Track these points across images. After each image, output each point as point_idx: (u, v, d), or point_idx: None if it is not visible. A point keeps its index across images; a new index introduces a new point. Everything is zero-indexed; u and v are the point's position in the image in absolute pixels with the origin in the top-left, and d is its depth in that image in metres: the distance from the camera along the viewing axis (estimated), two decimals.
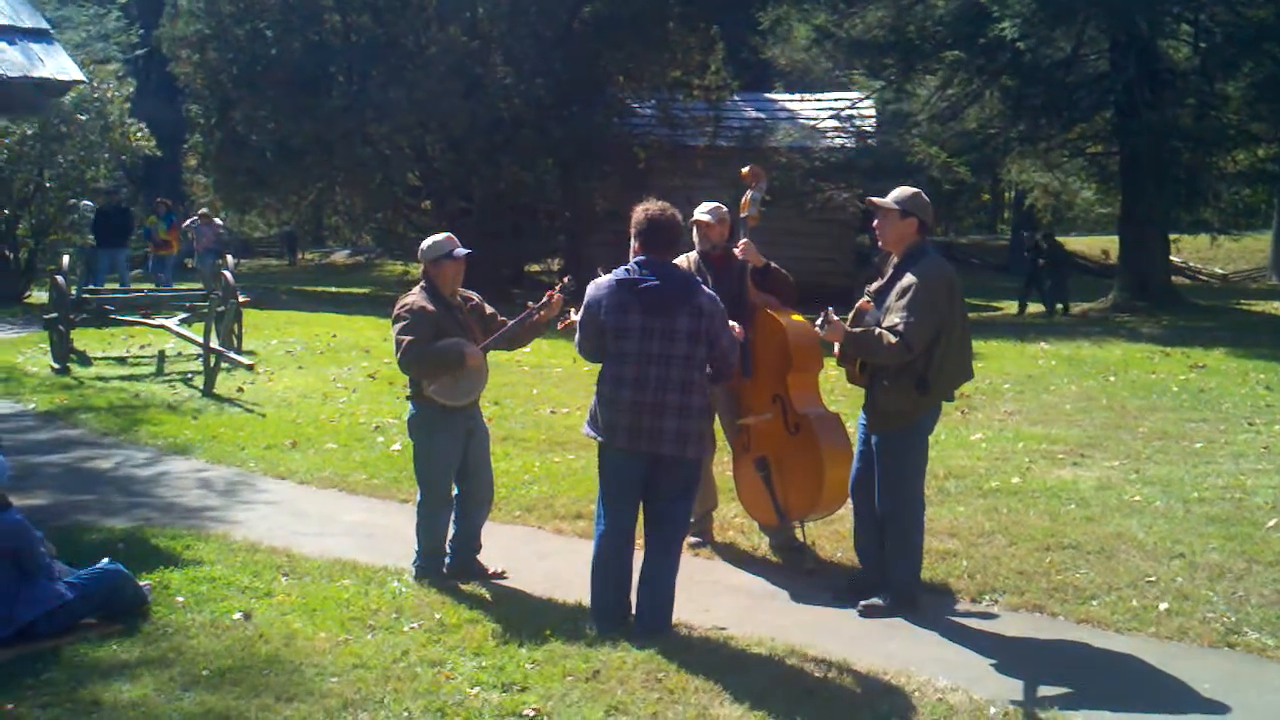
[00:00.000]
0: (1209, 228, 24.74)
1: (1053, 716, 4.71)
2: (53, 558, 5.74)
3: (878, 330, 5.61)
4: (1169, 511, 7.59)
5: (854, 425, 6.40)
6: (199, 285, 21.18)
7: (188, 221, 25.33)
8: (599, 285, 5.56)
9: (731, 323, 6.39)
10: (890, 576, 5.94)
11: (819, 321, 5.78)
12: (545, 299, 6.36)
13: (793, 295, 6.82)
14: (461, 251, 6.39)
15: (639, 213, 5.58)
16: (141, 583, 5.92)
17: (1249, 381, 12.87)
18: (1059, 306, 21.53)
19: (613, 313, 5.49)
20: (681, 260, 6.93)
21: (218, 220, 25.77)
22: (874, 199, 5.97)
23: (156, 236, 24.46)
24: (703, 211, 6.93)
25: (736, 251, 6.72)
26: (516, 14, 23.61)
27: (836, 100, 25.02)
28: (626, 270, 5.54)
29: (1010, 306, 23.99)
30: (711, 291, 5.58)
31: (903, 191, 5.89)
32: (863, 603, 5.95)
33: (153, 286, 21.64)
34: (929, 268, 5.69)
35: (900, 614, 5.85)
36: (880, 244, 6.01)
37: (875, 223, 5.97)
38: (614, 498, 5.69)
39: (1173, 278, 23.80)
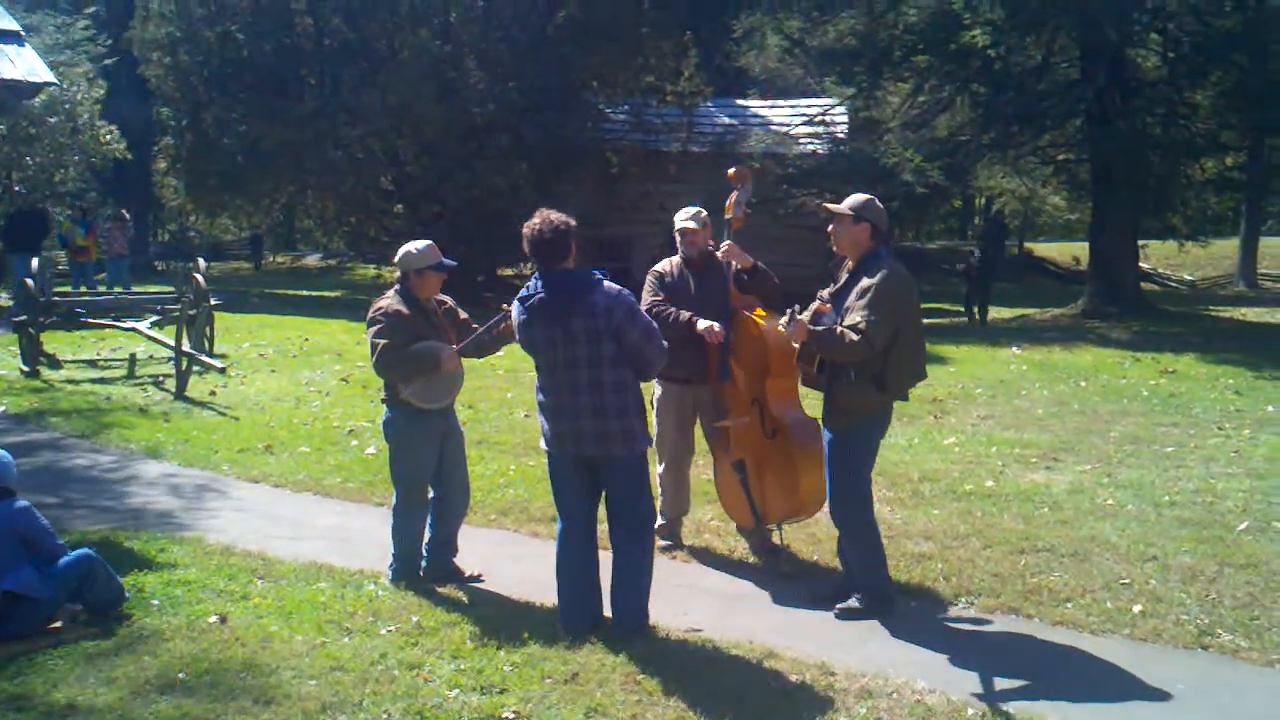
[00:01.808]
0: (1177, 234, 24.93)
1: (1029, 717, 4.74)
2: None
3: (839, 329, 5.67)
4: (1141, 515, 7.65)
5: None
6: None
7: (102, 221, 24.37)
8: (515, 305, 5.68)
9: (713, 324, 6.44)
10: (860, 578, 5.98)
11: (783, 321, 5.81)
12: (507, 311, 6.36)
13: (777, 296, 6.83)
14: (449, 263, 6.40)
15: (524, 230, 5.60)
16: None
17: (1218, 386, 12.99)
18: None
19: (522, 330, 5.65)
20: (664, 265, 6.96)
21: (129, 223, 24.60)
22: (828, 204, 6.02)
23: (73, 242, 22.73)
24: (687, 219, 6.90)
25: (719, 254, 6.72)
26: (490, 18, 23.61)
27: (809, 106, 25.11)
28: (526, 288, 5.62)
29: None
30: (615, 287, 5.52)
31: (857, 198, 5.94)
32: (839, 606, 5.98)
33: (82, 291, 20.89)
34: (887, 271, 5.77)
35: (876, 615, 5.88)
36: (835, 249, 6.04)
37: (830, 228, 6.02)
38: (563, 499, 5.82)
39: (1142, 284, 23.96)
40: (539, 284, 5.54)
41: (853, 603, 5.97)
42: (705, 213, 6.99)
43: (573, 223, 5.61)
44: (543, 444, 5.80)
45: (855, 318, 5.65)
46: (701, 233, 6.88)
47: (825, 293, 6.03)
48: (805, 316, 5.86)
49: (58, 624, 5.61)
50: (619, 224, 24.43)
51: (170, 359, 12.97)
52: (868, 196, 5.96)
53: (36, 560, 5.61)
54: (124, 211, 24.07)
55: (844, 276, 5.95)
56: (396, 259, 6.41)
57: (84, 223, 22.72)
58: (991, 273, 22.49)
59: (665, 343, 5.65)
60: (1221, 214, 26.00)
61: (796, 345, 5.90)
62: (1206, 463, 9.17)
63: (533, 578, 6.40)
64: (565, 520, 5.82)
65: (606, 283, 5.50)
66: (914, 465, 9.06)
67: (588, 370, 5.45)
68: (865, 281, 5.73)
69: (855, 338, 5.61)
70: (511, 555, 7.06)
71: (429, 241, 6.44)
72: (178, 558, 6.78)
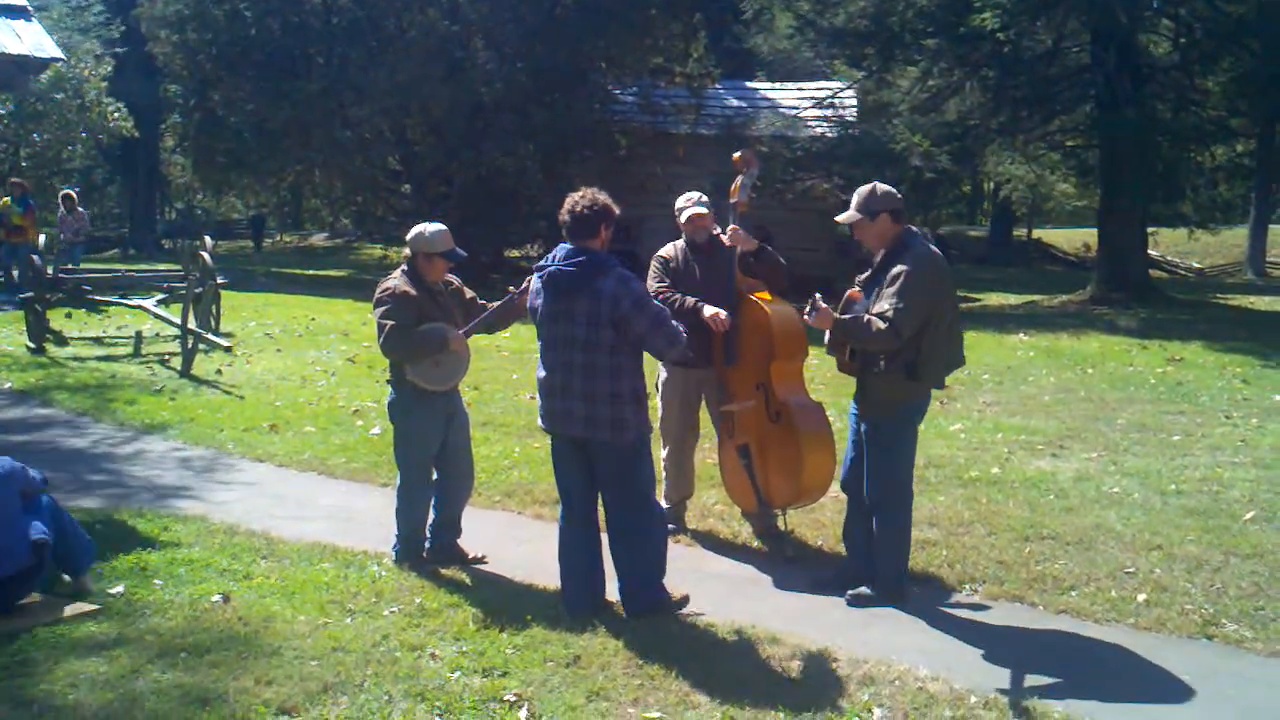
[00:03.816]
0: (1187, 221, 24.87)
1: (1032, 705, 4.72)
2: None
3: (866, 317, 5.60)
4: (1147, 503, 7.62)
5: (837, 413, 6.41)
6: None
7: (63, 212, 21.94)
8: (534, 274, 5.69)
9: (718, 311, 6.42)
10: (879, 566, 5.93)
11: (807, 309, 5.76)
12: (524, 285, 6.30)
13: (781, 278, 6.80)
14: (460, 253, 6.37)
15: (565, 201, 5.60)
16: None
17: (1225, 375, 12.95)
18: None
19: (533, 298, 5.66)
20: (669, 250, 6.93)
21: (80, 208, 22.37)
22: (840, 218, 5.93)
23: (9, 222, 20.62)
24: (694, 204, 6.88)
25: (725, 238, 6.69)
26: None
27: (818, 89, 25.01)
28: (546, 258, 5.62)
29: (988, 297, 24.09)
30: (626, 273, 5.48)
31: (861, 194, 5.81)
32: (850, 592, 5.94)
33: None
34: (918, 255, 5.66)
35: (889, 604, 5.85)
36: (865, 248, 5.96)
37: (855, 235, 5.94)
38: (562, 481, 5.82)
39: (1150, 271, 23.89)
40: (556, 257, 5.53)
41: (865, 590, 5.93)
42: (705, 198, 6.96)
43: (614, 209, 5.61)
44: (539, 423, 5.79)
45: (883, 305, 5.57)
46: (709, 216, 6.86)
47: (862, 277, 5.95)
48: (843, 300, 5.81)
49: (35, 598, 5.65)
50: (626, 205, 24.27)
51: (176, 337, 12.97)
52: (870, 186, 5.84)
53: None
54: (71, 194, 22.14)
55: (877, 261, 5.88)
56: (408, 237, 6.38)
57: (22, 201, 20.92)
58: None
59: (679, 328, 5.60)
60: (1231, 201, 25.86)
61: (827, 333, 5.83)
62: (1213, 451, 9.14)
63: (536, 560, 6.39)
64: (565, 502, 5.82)
65: (619, 270, 5.46)
66: (919, 451, 8.91)
67: (583, 353, 5.43)
68: (895, 268, 5.64)
69: (882, 326, 5.53)
70: (515, 537, 7.05)
71: (443, 227, 6.38)
72: (181, 536, 6.78)
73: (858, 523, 6.09)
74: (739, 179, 6.73)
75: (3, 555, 5.40)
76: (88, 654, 5.07)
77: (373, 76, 22.79)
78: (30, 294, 13.94)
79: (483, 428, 9.59)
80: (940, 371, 5.86)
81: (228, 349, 12.50)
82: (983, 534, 6.99)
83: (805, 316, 5.81)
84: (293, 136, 24.20)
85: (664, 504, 6.77)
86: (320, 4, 25.42)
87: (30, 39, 8.06)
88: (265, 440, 9.43)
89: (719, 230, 6.87)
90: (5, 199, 20.77)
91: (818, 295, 5.73)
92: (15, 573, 5.44)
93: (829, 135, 23.26)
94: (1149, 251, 24.29)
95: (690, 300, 6.58)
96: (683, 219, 6.91)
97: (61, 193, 22.23)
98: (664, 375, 7.04)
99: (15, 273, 20.20)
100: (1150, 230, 23.63)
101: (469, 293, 6.61)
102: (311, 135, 23.97)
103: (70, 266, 18.00)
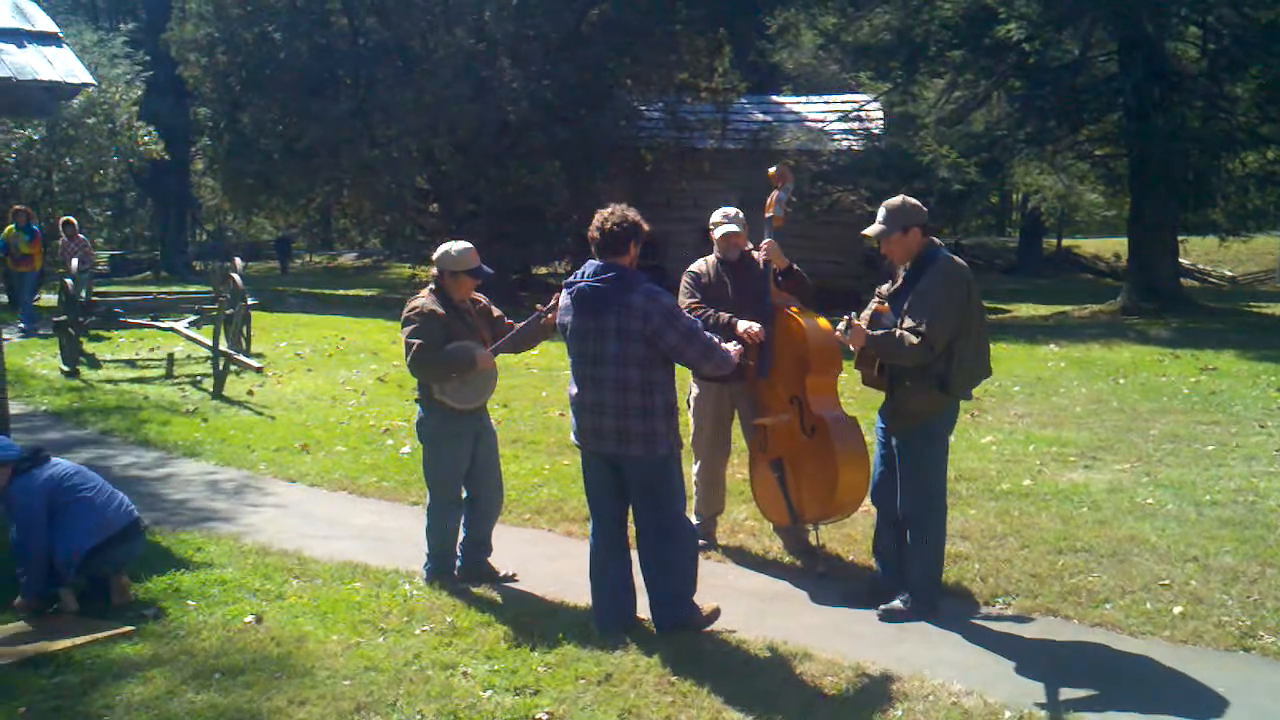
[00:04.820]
0: (1218, 229, 24.63)
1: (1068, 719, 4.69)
2: None
3: (898, 332, 5.59)
4: (1181, 514, 7.55)
5: (867, 426, 6.40)
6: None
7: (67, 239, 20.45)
8: (563, 290, 5.71)
9: (752, 324, 6.40)
10: (910, 580, 5.91)
11: (840, 327, 5.75)
12: (552, 303, 6.30)
13: (810, 298, 6.79)
14: (486, 270, 6.39)
15: (594, 218, 5.61)
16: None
17: (1259, 384, 12.83)
18: None
19: (562, 314, 5.67)
20: (700, 265, 6.93)
21: (81, 235, 20.96)
22: (868, 232, 5.90)
23: (17, 251, 19.58)
24: (728, 222, 6.86)
25: (758, 254, 6.68)
26: (523, 17, 23.62)
27: (844, 102, 24.99)
28: (575, 274, 5.63)
29: (1018, 308, 23.98)
30: (654, 288, 5.49)
31: (889, 208, 5.80)
32: (882, 606, 5.92)
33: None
34: (945, 268, 5.66)
35: (920, 618, 5.82)
36: (892, 261, 5.94)
37: (882, 249, 5.91)
38: (591, 497, 5.83)
39: (1181, 280, 23.70)
40: (585, 273, 5.55)
41: (897, 604, 5.90)
42: (740, 213, 6.94)
43: (644, 225, 5.62)
44: (572, 438, 5.80)
45: (914, 320, 5.57)
46: (743, 234, 6.85)
47: (884, 289, 5.93)
48: (866, 315, 5.80)
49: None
50: (652, 221, 24.22)
51: (208, 358, 13.06)
52: (898, 201, 5.82)
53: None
54: (71, 219, 20.97)
55: (901, 275, 5.85)
56: (435, 256, 6.41)
57: (28, 229, 19.76)
58: None
59: (715, 340, 5.59)
60: (1263, 208, 25.61)
61: (855, 349, 5.82)
62: (1248, 461, 9.05)
63: (567, 577, 6.39)
64: (596, 518, 5.82)
65: (648, 285, 5.47)
66: (951, 464, 8.86)
67: (615, 368, 5.43)
68: (924, 282, 5.63)
69: (915, 340, 5.52)
70: (546, 555, 7.06)
71: (469, 245, 6.40)
72: (214, 557, 6.82)
73: (888, 536, 6.07)
74: (774, 194, 6.71)
75: (125, 504, 6.22)
76: (123, 675, 5.10)
77: (400, 97, 22.91)
78: (64, 317, 14.07)
79: (512, 445, 9.61)
80: (969, 383, 5.84)
81: (259, 370, 12.58)
82: (1015, 547, 6.95)
83: (838, 333, 5.81)
84: (321, 157, 24.31)
85: (694, 520, 6.76)
86: (347, 26, 25.59)
87: (62, 65, 8.12)
88: (296, 460, 9.48)
89: (750, 246, 6.86)
90: (10, 227, 19.86)
91: (852, 314, 5.72)
92: (136, 519, 6.25)
93: (856, 148, 23.23)
94: (1180, 260, 24.09)
95: (724, 315, 6.57)
96: (716, 235, 6.90)
97: (61, 219, 21.38)
98: (695, 391, 7.03)
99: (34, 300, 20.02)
100: (1180, 238, 23.43)
101: (496, 311, 6.62)
102: (340, 156, 24.08)
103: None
